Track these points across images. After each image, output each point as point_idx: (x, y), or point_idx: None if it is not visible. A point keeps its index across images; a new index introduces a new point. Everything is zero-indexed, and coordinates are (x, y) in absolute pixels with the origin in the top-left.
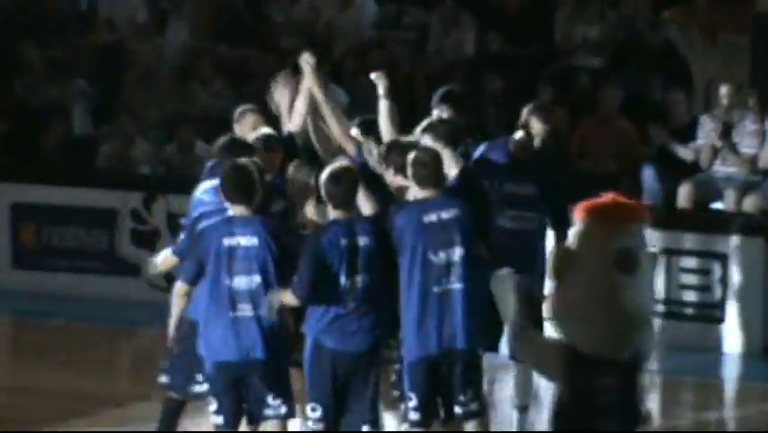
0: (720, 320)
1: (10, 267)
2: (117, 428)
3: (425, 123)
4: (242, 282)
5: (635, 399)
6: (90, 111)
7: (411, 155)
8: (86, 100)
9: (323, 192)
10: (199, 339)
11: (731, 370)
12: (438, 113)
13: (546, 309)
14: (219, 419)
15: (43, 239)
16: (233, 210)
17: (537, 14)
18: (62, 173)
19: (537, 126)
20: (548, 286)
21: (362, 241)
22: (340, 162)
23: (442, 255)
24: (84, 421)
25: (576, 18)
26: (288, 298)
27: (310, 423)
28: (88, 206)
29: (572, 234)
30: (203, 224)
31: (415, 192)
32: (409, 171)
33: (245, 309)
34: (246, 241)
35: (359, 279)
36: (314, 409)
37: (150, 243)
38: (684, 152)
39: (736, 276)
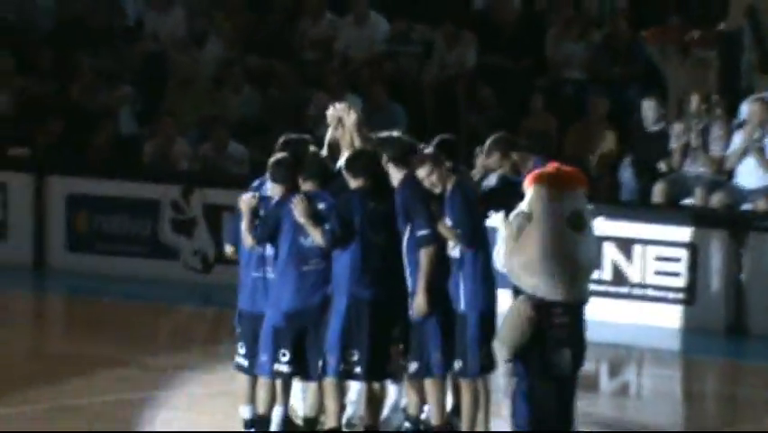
0: (689, 302)
1: (65, 250)
2: (157, 391)
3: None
4: (310, 241)
5: (583, 333)
6: (136, 113)
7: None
8: (132, 104)
9: (345, 168)
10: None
11: (698, 346)
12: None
13: (505, 264)
14: (290, 368)
15: (94, 226)
16: (305, 186)
17: (530, 33)
18: (111, 168)
19: (488, 162)
20: (505, 245)
21: (380, 205)
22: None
23: None
24: (127, 385)
25: (564, 36)
26: (317, 235)
27: (341, 365)
28: (134, 197)
29: (526, 200)
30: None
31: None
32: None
33: (313, 264)
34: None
35: (381, 237)
36: (351, 354)
37: (187, 230)
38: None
39: (703, 264)
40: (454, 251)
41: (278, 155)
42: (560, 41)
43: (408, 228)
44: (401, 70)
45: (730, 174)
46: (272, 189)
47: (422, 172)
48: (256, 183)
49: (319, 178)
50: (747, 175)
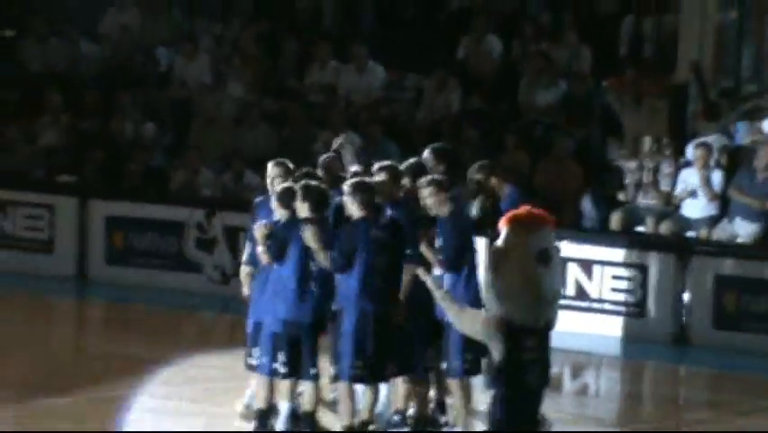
0: (640, 316)
1: (104, 264)
2: (180, 385)
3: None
4: (313, 264)
5: (548, 355)
6: (166, 147)
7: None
8: (163, 138)
9: (349, 199)
10: (275, 306)
11: (647, 354)
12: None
13: (485, 293)
14: (285, 369)
15: (129, 243)
16: (302, 213)
17: (506, 81)
18: (144, 194)
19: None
20: (484, 277)
21: (381, 233)
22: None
23: None
24: (155, 379)
25: (535, 84)
26: (322, 259)
27: (352, 370)
28: (163, 218)
29: (501, 238)
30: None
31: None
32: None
33: (311, 285)
34: None
35: (382, 260)
36: (360, 360)
37: (209, 248)
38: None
39: (653, 283)
40: (436, 270)
41: (287, 184)
42: (531, 88)
43: None
44: (395, 113)
45: (677, 206)
46: (280, 214)
47: (425, 192)
48: (259, 199)
49: (317, 206)
50: (691, 207)
